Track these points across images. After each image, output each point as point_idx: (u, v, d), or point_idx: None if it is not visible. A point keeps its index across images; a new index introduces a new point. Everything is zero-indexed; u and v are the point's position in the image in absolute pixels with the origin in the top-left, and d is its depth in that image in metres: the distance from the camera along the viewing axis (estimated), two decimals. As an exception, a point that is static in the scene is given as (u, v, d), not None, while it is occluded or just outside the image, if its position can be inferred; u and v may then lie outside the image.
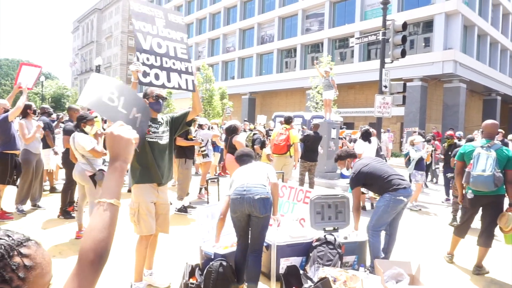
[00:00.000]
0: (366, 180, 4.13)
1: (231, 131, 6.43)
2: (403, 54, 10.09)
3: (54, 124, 8.05)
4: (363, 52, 27.06)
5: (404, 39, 10.21)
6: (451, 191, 7.29)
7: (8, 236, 0.72)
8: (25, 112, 5.92)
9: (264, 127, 11.35)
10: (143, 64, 3.04)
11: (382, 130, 12.46)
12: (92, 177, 4.24)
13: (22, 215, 5.78)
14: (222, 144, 8.92)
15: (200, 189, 7.74)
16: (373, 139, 7.65)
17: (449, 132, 8.53)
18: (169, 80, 3.19)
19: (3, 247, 0.69)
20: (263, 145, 8.84)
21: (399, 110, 21.38)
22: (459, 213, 5.63)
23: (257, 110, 34.38)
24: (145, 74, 3.06)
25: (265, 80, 33.23)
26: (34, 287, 0.70)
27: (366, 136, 7.42)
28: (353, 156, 4.51)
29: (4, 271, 0.67)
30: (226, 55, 38.59)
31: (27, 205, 6.10)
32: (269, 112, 25.01)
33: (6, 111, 5.94)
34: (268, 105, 34.36)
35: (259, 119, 14.34)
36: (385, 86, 10.38)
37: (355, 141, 13.09)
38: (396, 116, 23.11)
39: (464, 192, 4.49)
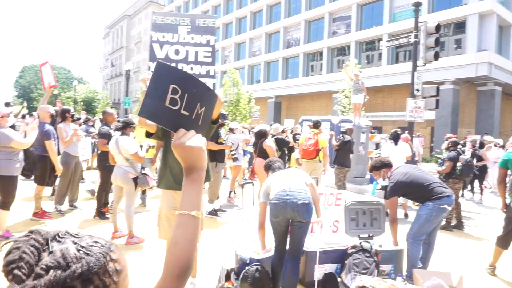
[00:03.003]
0: (405, 189, 4.02)
1: (261, 136, 6.43)
2: (436, 56, 9.79)
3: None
4: (392, 55, 26.50)
5: (437, 41, 9.91)
6: None
7: (96, 242, 0.74)
8: (64, 116, 6.15)
9: (292, 131, 11.28)
10: None
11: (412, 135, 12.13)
12: (135, 179, 4.36)
13: (61, 215, 5.99)
14: (248, 148, 8.94)
15: (230, 192, 7.78)
16: (402, 143, 7.48)
17: (449, 135, 8.27)
18: None
19: (101, 255, 0.72)
20: (291, 149, 8.80)
21: (429, 114, 20.73)
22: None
23: (283, 114, 34.31)
24: None
25: (291, 84, 33.13)
26: (116, 286, 0.73)
27: (395, 139, 7.26)
28: (388, 166, 4.39)
29: (104, 277, 0.70)
30: (252, 59, 38.77)
31: (65, 205, 6.32)
32: (295, 116, 24.89)
33: (52, 115, 6.14)
34: (294, 109, 34.22)
35: (286, 123, 14.27)
36: (417, 90, 10.10)
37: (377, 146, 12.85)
38: (426, 121, 22.44)
39: (508, 202, 4.30)
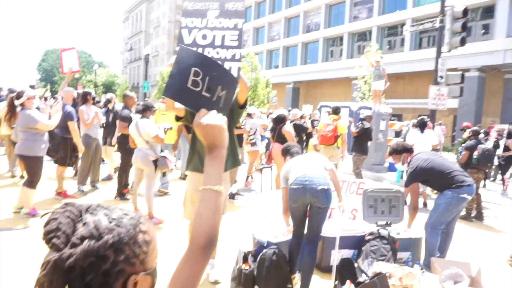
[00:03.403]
0: (424, 176, 3.94)
1: (280, 121, 6.41)
2: (463, 42, 9.46)
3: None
4: (415, 41, 25.73)
5: (464, 26, 9.55)
6: None
7: (126, 214, 0.77)
8: (85, 99, 6.27)
9: (310, 117, 11.19)
10: None
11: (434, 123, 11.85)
12: (155, 162, 4.45)
13: (83, 194, 6.18)
14: (265, 134, 8.92)
15: (247, 177, 7.82)
16: (428, 131, 7.30)
17: (466, 124, 7.96)
18: None
19: (131, 226, 0.75)
20: (309, 135, 8.75)
21: (452, 102, 20.12)
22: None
23: (301, 100, 34.00)
24: None
25: (310, 69, 32.70)
26: (151, 259, 0.78)
27: (421, 127, 7.09)
28: (410, 151, 4.31)
29: (134, 247, 0.74)
30: (271, 43, 38.35)
31: (87, 186, 6.50)
32: (313, 102, 24.58)
33: (75, 99, 6.31)
34: (313, 95, 33.85)
35: (304, 109, 14.14)
36: (441, 77, 9.82)
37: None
38: (449, 109, 21.84)
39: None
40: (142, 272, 0.76)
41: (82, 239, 0.69)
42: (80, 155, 6.16)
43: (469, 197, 3.81)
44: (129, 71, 69.58)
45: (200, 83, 1.00)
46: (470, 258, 4.19)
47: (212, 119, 0.94)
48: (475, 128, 7.09)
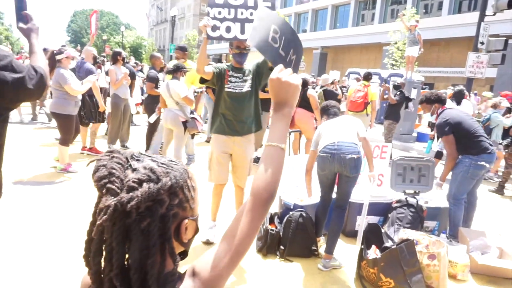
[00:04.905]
0: (453, 129, 3.77)
1: (303, 85, 6.27)
2: (510, 5, 8.76)
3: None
4: (454, 4, 24.09)
5: (512, -13, 8.81)
6: None
7: (171, 161, 0.78)
8: (115, 59, 6.32)
9: (339, 83, 10.91)
10: (214, 18, 3.05)
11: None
12: (184, 123, 4.49)
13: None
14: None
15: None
16: (465, 101, 6.94)
17: (505, 92, 7.39)
18: (243, 32, 3.12)
19: (184, 170, 0.77)
20: (338, 102, 8.56)
21: (490, 72, 19.05)
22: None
23: (328, 66, 33.05)
24: (215, 28, 3.07)
25: (340, 34, 31.43)
26: (195, 204, 0.80)
27: (458, 98, 6.70)
28: (443, 102, 4.12)
29: (186, 191, 0.76)
30: (300, 6, 36.93)
31: (117, 145, 6.69)
32: (340, 69, 23.90)
33: (95, 57, 6.43)
34: (340, 61, 32.81)
35: (332, 75, 13.78)
36: (482, 43, 9.24)
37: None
38: (486, 78, 20.74)
39: None
40: (191, 217, 0.78)
41: (140, 182, 0.68)
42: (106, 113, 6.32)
43: (488, 166, 3.68)
44: (155, 34, 69.30)
45: (278, 40, 1.05)
46: (500, 230, 4.11)
47: (291, 78, 0.92)
48: None
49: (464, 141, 3.75)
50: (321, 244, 3.50)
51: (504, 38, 9.70)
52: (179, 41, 49.92)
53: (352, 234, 3.82)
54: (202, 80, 3.28)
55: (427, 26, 22.43)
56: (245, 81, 3.32)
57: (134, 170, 0.71)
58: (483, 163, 3.65)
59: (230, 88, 3.26)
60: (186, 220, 0.76)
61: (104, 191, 0.68)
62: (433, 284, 2.94)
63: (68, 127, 5.01)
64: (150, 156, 0.77)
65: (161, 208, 0.69)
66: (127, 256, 0.70)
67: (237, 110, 3.28)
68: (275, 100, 0.93)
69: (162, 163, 0.75)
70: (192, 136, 5.26)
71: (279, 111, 0.92)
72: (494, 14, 9.06)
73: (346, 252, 3.50)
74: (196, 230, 0.81)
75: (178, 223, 0.75)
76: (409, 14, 19.44)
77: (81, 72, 5.95)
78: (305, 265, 3.20)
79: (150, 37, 66.82)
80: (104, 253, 0.70)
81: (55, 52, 4.83)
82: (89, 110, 5.89)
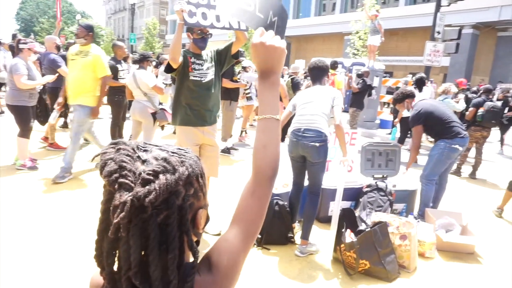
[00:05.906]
0: (425, 119, 4.00)
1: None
2: (463, -4, 9.22)
3: None
4: (410, -5, 24.99)
5: (465, -21, 9.27)
6: None
7: (180, 149, 0.73)
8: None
9: (304, 72, 11.03)
10: (188, 3, 2.89)
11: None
12: (153, 114, 4.34)
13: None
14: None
15: (241, 132, 7.82)
16: (426, 88, 7.26)
17: (459, 80, 7.92)
18: (218, 20, 3.03)
19: (196, 159, 0.73)
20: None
21: (443, 61, 20.05)
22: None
23: (292, 55, 33.27)
24: (191, 14, 2.92)
25: (302, 23, 31.69)
26: (205, 190, 0.76)
27: (419, 85, 7.00)
28: (411, 96, 4.34)
29: (200, 180, 0.73)
30: (262, -5, 36.78)
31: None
32: (304, 58, 24.12)
33: (58, 46, 6.11)
34: (304, 50, 33.16)
35: (297, 63, 13.90)
36: (438, 32, 9.67)
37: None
38: (439, 67, 21.80)
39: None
40: (204, 206, 0.75)
41: (156, 174, 0.63)
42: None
43: (461, 148, 3.93)
44: (114, 22, 66.45)
45: (252, 3, 0.97)
46: (461, 209, 4.37)
47: (275, 41, 0.85)
48: (488, 86, 7.09)
49: (438, 128, 3.99)
50: (297, 230, 3.56)
51: (458, 27, 10.21)
52: (139, 30, 48.25)
53: (326, 220, 3.91)
54: (169, 69, 3.13)
55: (386, 16, 23.08)
56: (208, 68, 3.23)
57: (144, 161, 0.66)
58: (457, 146, 3.89)
59: (195, 76, 3.14)
60: (201, 210, 0.73)
61: (116, 186, 0.62)
62: (404, 263, 3.09)
63: (24, 119, 4.75)
64: (156, 145, 0.72)
65: (178, 199, 0.66)
66: (142, 252, 0.65)
67: (204, 99, 3.18)
68: (261, 68, 0.87)
69: (173, 152, 0.70)
70: (162, 127, 5.13)
71: (267, 80, 0.86)
72: (449, 4, 9.51)
73: (321, 237, 3.58)
74: (208, 218, 0.78)
75: (193, 213, 0.72)
76: (369, 4, 19.92)
77: (45, 62, 5.69)
78: (282, 252, 3.25)
79: (108, 26, 64.02)
80: (118, 251, 0.65)
81: (21, 40, 4.62)
82: (44, 109, 5.56)
